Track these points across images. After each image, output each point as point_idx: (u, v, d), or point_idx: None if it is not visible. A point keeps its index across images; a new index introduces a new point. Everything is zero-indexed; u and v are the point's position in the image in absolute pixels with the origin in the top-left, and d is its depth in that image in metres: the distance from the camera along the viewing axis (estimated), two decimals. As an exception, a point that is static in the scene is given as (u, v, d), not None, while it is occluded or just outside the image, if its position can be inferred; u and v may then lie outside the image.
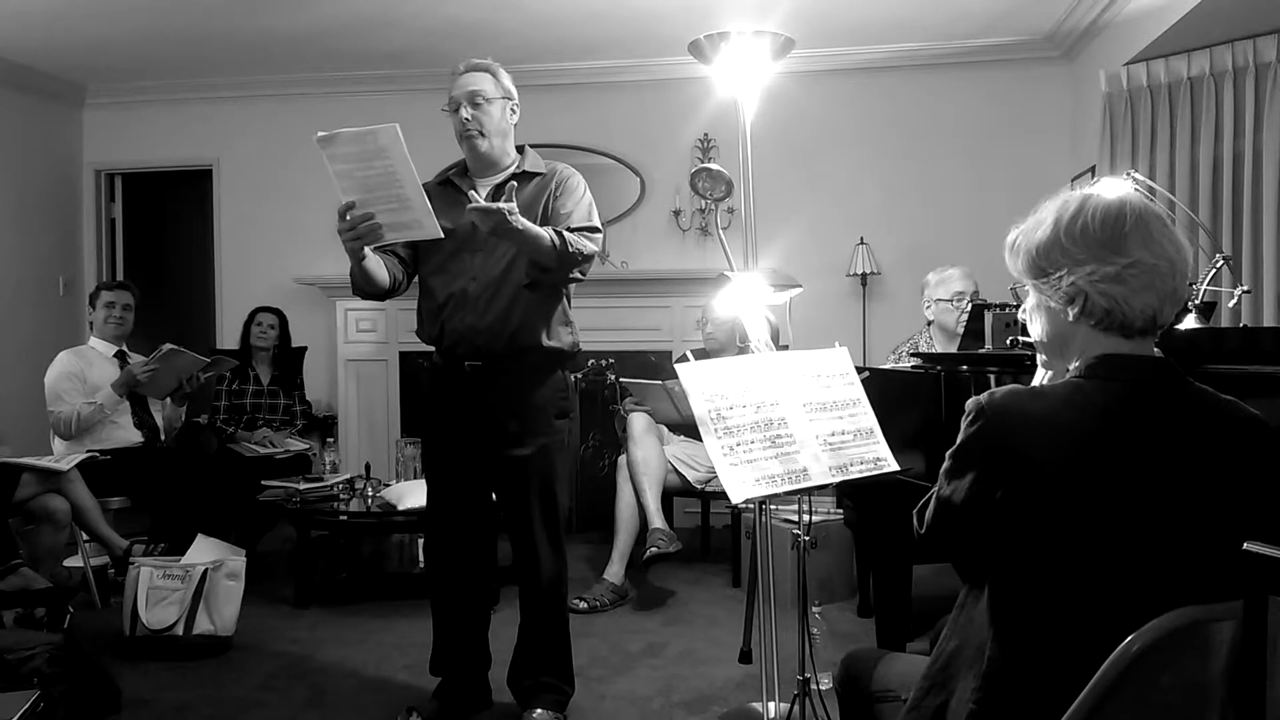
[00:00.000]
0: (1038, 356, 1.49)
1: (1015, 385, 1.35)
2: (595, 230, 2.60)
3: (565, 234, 2.46)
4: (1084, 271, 1.31)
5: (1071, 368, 1.38)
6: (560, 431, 2.68)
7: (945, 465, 1.37)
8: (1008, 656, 1.31)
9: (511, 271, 2.54)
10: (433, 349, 2.69)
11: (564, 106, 5.54)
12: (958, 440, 1.35)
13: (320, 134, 2.22)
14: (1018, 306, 1.83)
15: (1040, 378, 1.49)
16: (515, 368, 2.58)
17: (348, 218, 2.30)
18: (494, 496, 2.75)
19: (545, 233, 2.42)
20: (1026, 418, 1.29)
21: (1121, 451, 1.28)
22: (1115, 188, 1.41)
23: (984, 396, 1.32)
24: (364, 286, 2.55)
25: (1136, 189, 2.57)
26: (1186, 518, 1.29)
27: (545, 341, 2.59)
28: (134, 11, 4.59)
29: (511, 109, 2.63)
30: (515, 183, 2.40)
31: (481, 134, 2.56)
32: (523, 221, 2.34)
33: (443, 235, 2.35)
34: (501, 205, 2.27)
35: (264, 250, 5.83)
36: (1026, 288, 1.42)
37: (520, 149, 2.70)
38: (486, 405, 2.59)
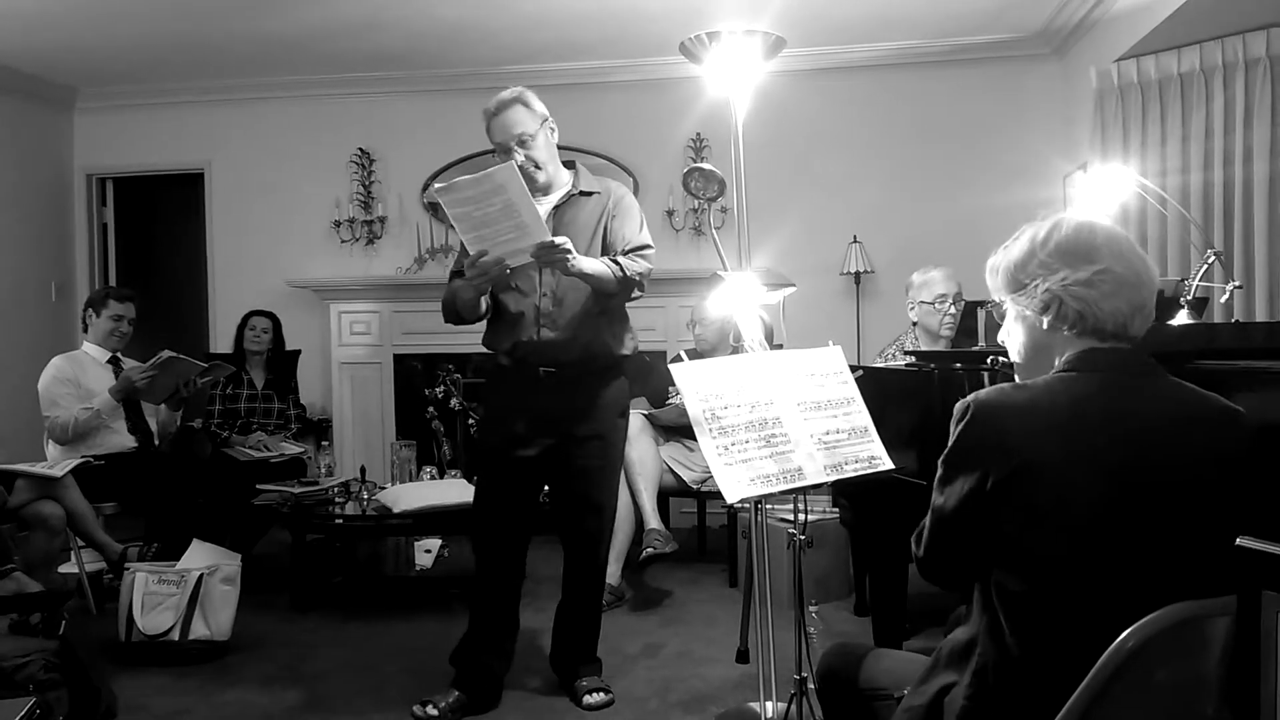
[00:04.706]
0: (1015, 376, 1.52)
1: (1001, 384, 1.40)
2: (648, 247, 2.77)
3: (621, 260, 2.64)
4: (1057, 278, 1.39)
5: (1055, 367, 1.41)
6: (622, 429, 2.89)
7: (938, 474, 1.39)
8: (999, 652, 1.32)
9: (581, 286, 2.65)
10: (501, 355, 2.80)
11: (556, 107, 5.41)
12: (949, 445, 1.37)
13: (437, 185, 2.42)
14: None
15: None
16: (586, 373, 2.74)
17: (479, 264, 2.46)
18: (543, 497, 2.99)
19: (604, 266, 2.59)
20: (1011, 407, 1.34)
21: (1098, 439, 1.31)
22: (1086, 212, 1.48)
23: (970, 396, 1.37)
24: (468, 316, 2.74)
25: (1140, 191, 2.58)
26: (1164, 508, 1.30)
27: (616, 350, 2.78)
28: (124, 15, 4.58)
29: (550, 129, 2.76)
30: (569, 242, 2.49)
31: (538, 167, 2.70)
32: (581, 262, 2.50)
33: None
34: (560, 240, 2.43)
35: (257, 253, 5.81)
36: (1005, 306, 1.48)
37: (570, 164, 2.83)
38: (559, 406, 2.73)
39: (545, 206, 2.70)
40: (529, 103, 2.71)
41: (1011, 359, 1.51)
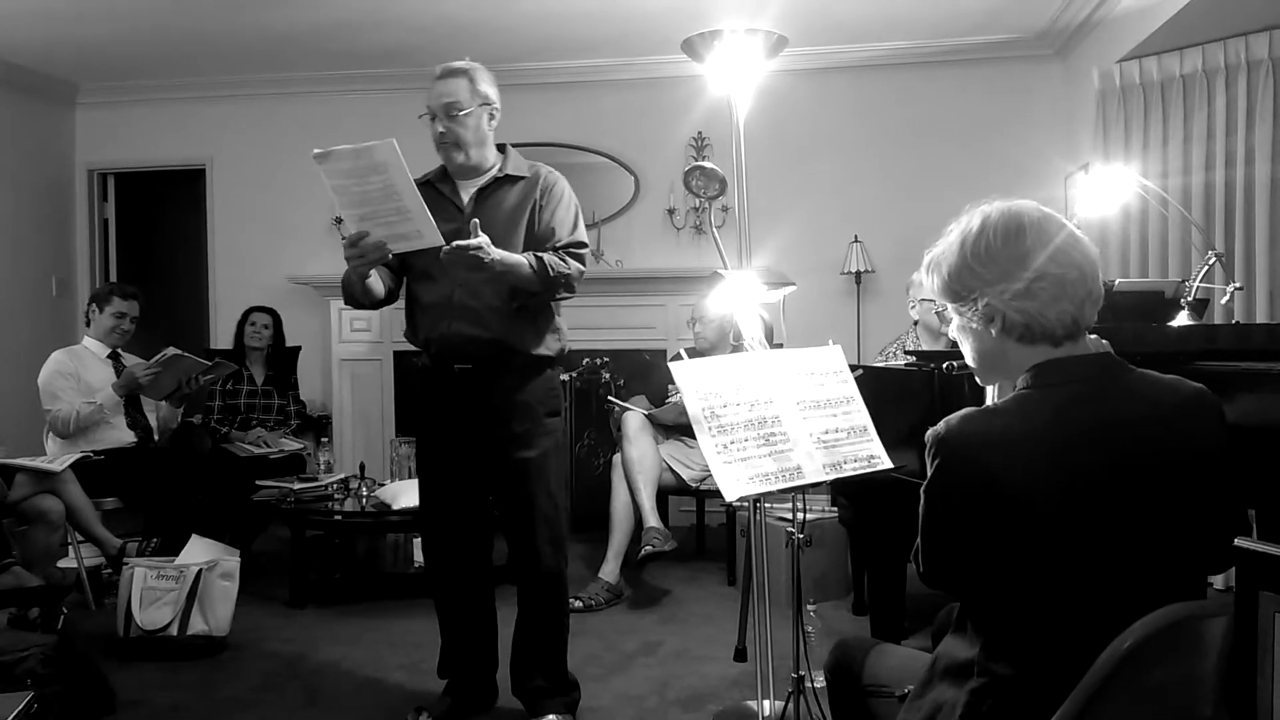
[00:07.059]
0: (976, 377, 1.50)
1: (968, 410, 1.35)
2: (581, 245, 2.60)
3: (545, 258, 2.46)
4: (995, 291, 1.33)
5: (1019, 382, 1.38)
6: (553, 430, 2.66)
7: (922, 502, 1.36)
8: (997, 673, 1.31)
9: (496, 280, 2.49)
10: (422, 351, 2.68)
11: (558, 105, 5.53)
12: (928, 478, 1.34)
13: (316, 151, 2.21)
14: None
15: (991, 395, 1.50)
16: (504, 370, 2.58)
17: (358, 244, 2.31)
18: (489, 497, 2.73)
19: (524, 260, 2.43)
20: (987, 437, 1.30)
21: (1081, 451, 1.29)
22: (1014, 201, 1.40)
23: (940, 427, 1.33)
24: (361, 299, 2.55)
25: (1141, 192, 2.58)
26: (1156, 511, 1.29)
27: (534, 350, 2.59)
28: (127, 10, 4.57)
29: (490, 114, 2.57)
30: (485, 236, 2.33)
31: (457, 146, 2.53)
32: (498, 255, 2.33)
33: (444, 243, 2.31)
34: (471, 242, 2.28)
35: (258, 250, 5.81)
36: (949, 311, 1.43)
37: (501, 148, 2.66)
38: (477, 407, 2.58)
39: (469, 190, 2.59)
40: (475, 79, 2.52)
41: (968, 363, 1.47)
